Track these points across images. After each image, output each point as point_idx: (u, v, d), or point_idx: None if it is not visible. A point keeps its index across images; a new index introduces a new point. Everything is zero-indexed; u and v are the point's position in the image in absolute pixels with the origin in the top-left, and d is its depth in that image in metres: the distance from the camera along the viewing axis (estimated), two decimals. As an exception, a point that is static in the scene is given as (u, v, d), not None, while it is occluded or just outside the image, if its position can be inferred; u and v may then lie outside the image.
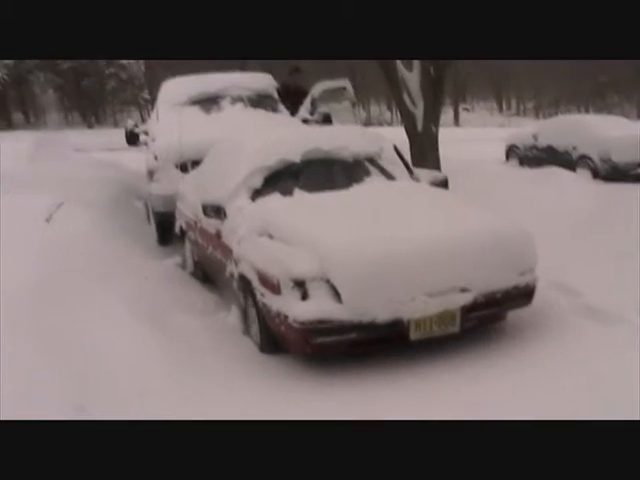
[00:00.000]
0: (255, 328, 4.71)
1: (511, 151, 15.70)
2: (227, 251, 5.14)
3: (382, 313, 4.05)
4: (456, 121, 38.34)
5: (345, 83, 10.76)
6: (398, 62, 10.90)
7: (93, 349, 4.22)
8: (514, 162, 15.36)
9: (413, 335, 4.17)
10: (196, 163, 6.92)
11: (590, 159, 12.84)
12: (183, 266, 6.92)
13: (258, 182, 5.32)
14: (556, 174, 10.15)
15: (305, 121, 9.06)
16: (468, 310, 4.26)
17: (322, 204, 4.96)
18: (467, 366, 4.19)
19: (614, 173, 12.34)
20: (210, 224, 5.53)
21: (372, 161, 5.80)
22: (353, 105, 10.69)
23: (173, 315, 5.19)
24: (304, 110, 9.47)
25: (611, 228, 6.59)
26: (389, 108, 42.50)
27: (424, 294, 4.12)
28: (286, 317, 4.11)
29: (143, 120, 11.17)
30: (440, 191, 5.60)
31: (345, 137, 5.84)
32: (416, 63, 11.05)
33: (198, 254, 6.36)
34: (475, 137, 21.80)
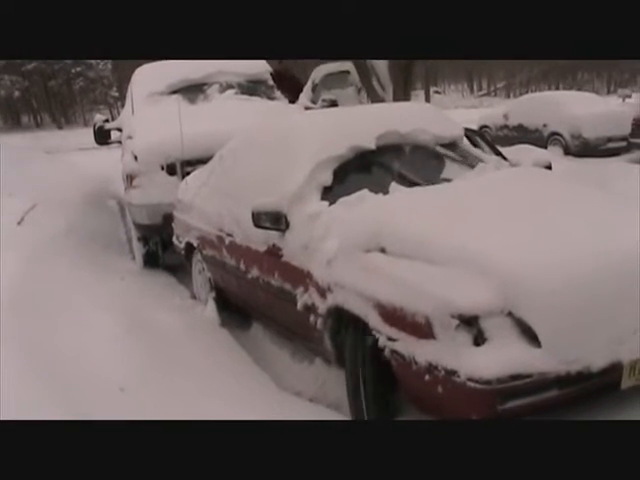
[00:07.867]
0: (361, 390, 3.35)
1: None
2: (296, 275, 3.85)
3: (599, 357, 2.79)
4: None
5: (349, 66, 9.40)
6: (366, 49, 10.87)
7: (72, 352, 4.12)
8: (486, 142, 15.45)
9: (626, 382, 2.88)
10: (188, 163, 6.00)
11: (561, 136, 12.97)
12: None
13: (328, 178, 4.02)
14: (528, 151, 10.23)
15: (307, 109, 7.65)
16: None
17: (447, 202, 3.59)
18: None
19: (585, 149, 12.48)
20: (253, 238, 4.32)
21: (455, 147, 4.63)
22: (358, 91, 9.47)
23: (151, 313, 5.10)
24: (305, 97, 8.35)
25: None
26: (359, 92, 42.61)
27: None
28: (452, 373, 2.77)
29: (113, 118, 10.65)
30: (573, 182, 4.31)
31: (421, 118, 4.64)
32: (384, 49, 11.06)
33: (225, 279, 5.05)
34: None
